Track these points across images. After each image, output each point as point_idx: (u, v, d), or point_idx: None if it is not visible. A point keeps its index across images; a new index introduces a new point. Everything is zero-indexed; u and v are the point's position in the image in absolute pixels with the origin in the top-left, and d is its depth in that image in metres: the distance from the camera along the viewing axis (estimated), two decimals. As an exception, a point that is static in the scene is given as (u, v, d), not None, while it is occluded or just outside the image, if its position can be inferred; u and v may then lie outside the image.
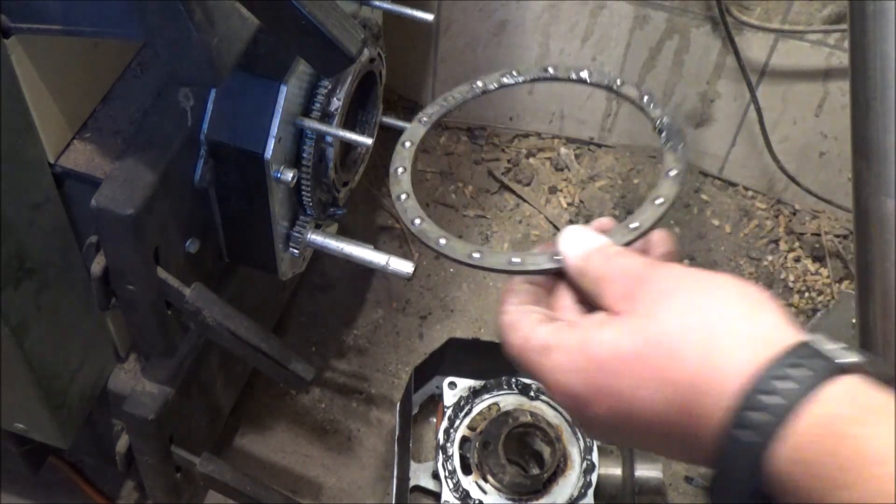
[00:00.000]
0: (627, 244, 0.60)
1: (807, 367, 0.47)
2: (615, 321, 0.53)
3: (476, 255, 0.62)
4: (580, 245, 0.60)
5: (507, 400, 1.34)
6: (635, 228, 0.61)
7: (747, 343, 0.49)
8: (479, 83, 0.74)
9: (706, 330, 0.50)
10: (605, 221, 0.63)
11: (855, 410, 0.46)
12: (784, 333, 0.49)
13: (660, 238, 0.61)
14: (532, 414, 1.30)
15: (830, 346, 0.48)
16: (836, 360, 0.47)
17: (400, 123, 1.13)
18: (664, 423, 0.51)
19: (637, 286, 0.54)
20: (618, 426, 0.53)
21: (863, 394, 0.47)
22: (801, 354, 0.48)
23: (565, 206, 1.70)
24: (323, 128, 0.94)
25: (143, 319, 0.93)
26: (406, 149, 0.70)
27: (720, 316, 0.50)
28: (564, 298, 0.59)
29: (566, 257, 0.60)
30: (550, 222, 1.68)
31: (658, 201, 0.62)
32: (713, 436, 0.48)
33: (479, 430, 1.32)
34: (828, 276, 1.63)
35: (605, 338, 0.52)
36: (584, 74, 0.72)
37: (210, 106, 0.90)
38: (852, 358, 0.47)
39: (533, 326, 0.56)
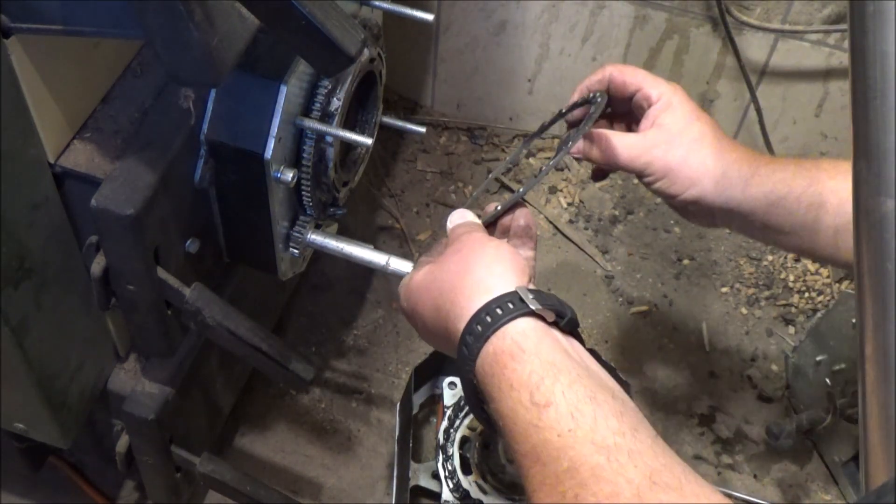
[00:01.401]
0: (492, 219, 0.88)
1: (502, 310, 0.70)
2: (425, 267, 0.81)
3: None
4: (456, 219, 0.88)
5: (507, 400, 1.34)
6: (495, 210, 0.88)
7: (479, 289, 0.73)
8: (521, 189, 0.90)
9: (461, 278, 0.75)
10: (490, 206, 0.90)
11: (516, 347, 0.69)
12: (507, 284, 0.73)
13: (519, 213, 0.87)
14: (532, 414, 1.30)
15: (530, 295, 0.71)
16: (529, 306, 0.70)
17: (400, 123, 1.13)
18: (437, 333, 0.78)
19: (448, 246, 0.82)
20: (421, 332, 0.83)
21: (530, 334, 0.70)
22: (505, 300, 0.71)
23: (565, 206, 1.70)
24: (323, 128, 0.94)
25: (143, 319, 0.93)
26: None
27: (473, 270, 0.75)
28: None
29: (447, 227, 0.88)
30: (550, 222, 1.68)
31: (520, 189, 0.88)
32: (457, 345, 0.73)
33: (479, 430, 1.32)
34: (828, 276, 1.63)
35: (416, 276, 0.82)
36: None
37: (210, 106, 0.90)
38: (536, 305, 0.70)
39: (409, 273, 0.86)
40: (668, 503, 0.60)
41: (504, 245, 0.79)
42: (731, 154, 0.93)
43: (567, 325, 0.72)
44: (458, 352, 0.73)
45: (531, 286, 0.74)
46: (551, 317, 0.71)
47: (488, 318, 0.70)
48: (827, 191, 0.90)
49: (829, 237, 0.90)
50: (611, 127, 1.01)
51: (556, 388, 0.66)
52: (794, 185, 0.91)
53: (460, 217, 0.88)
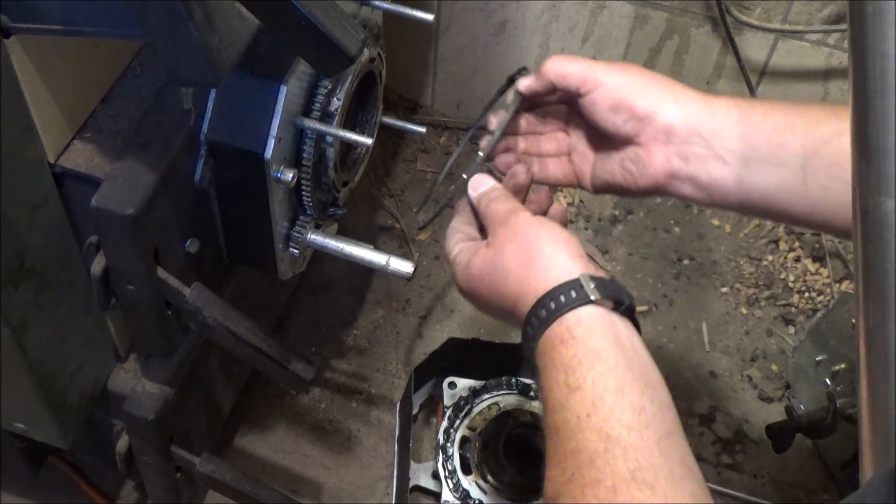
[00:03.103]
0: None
1: (564, 297, 0.74)
2: (481, 251, 0.83)
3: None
4: (478, 186, 0.88)
5: (507, 400, 1.34)
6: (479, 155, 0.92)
7: (544, 278, 0.76)
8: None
9: (525, 268, 0.78)
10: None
11: (567, 333, 0.73)
12: (567, 270, 0.76)
13: (522, 178, 0.89)
14: (532, 414, 1.30)
15: (591, 285, 0.74)
16: (587, 295, 0.73)
17: (400, 123, 1.13)
18: (503, 313, 0.81)
19: (497, 227, 0.82)
20: (484, 310, 0.85)
21: (584, 322, 0.73)
22: (567, 288, 0.74)
23: (565, 205, 1.70)
24: (323, 128, 0.94)
25: (143, 319, 0.93)
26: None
27: (536, 259, 0.78)
28: (475, 222, 0.88)
29: (470, 195, 0.88)
30: (550, 222, 1.68)
31: (493, 129, 0.91)
32: (521, 323, 0.77)
33: (479, 430, 1.32)
34: (828, 276, 1.63)
35: (474, 262, 0.83)
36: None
37: (210, 106, 0.90)
38: (596, 295, 0.73)
39: (454, 241, 0.87)
40: (639, 501, 0.65)
41: (557, 228, 0.81)
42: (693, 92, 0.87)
43: (625, 311, 0.76)
44: (522, 332, 0.78)
45: (591, 270, 0.76)
46: (609, 305, 0.74)
47: (552, 304, 0.74)
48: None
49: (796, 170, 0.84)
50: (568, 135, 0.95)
51: (588, 375, 0.71)
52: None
53: (483, 183, 0.88)
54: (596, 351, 0.72)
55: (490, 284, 0.81)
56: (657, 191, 0.89)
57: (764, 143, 0.84)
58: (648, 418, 0.69)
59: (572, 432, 0.69)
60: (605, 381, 0.70)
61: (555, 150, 0.94)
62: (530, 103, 0.92)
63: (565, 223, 0.88)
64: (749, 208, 0.87)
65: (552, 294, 0.75)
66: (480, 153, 0.92)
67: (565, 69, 0.87)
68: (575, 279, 0.75)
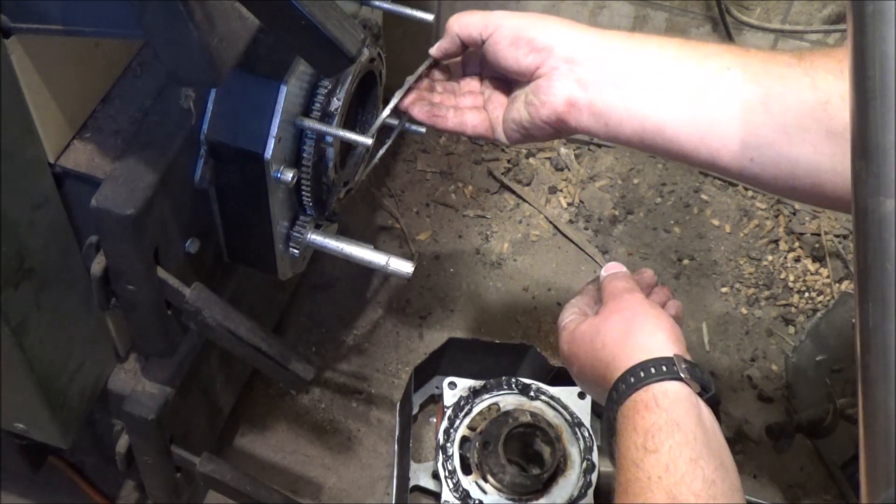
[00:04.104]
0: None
1: (655, 370, 0.80)
2: (589, 319, 0.91)
3: None
4: (610, 269, 0.96)
5: (507, 400, 1.34)
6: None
7: (638, 350, 0.83)
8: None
9: (625, 339, 0.85)
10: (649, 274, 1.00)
11: (653, 402, 0.79)
12: (664, 349, 0.82)
13: (649, 277, 0.99)
14: (532, 414, 1.30)
15: (684, 365, 0.81)
16: (678, 373, 0.80)
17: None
18: (593, 378, 0.88)
19: (610, 299, 0.91)
20: (575, 374, 0.92)
21: (670, 395, 0.79)
22: (660, 362, 0.81)
23: (565, 206, 1.70)
24: (323, 128, 0.94)
25: (143, 319, 0.93)
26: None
27: (636, 334, 0.85)
28: (593, 305, 0.97)
29: (601, 275, 0.97)
30: (550, 222, 1.68)
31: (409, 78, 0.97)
32: (608, 390, 0.83)
33: (479, 430, 1.32)
34: (828, 276, 1.63)
35: (581, 328, 0.91)
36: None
37: (210, 106, 0.90)
38: (686, 375, 0.80)
39: (569, 313, 0.95)
40: None
41: (664, 315, 0.87)
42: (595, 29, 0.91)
43: (709, 399, 0.81)
44: (608, 395, 0.83)
45: (686, 356, 0.83)
46: (696, 388, 0.80)
47: (642, 374, 0.80)
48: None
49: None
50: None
51: (666, 442, 0.76)
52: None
53: (616, 268, 0.96)
54: (677, 422, 0.77)
55: (589, 349, 0.88)
56: (560, 123, 0.91)
57: (656, 73, 0.87)
58: (718, 493, 0.73)
59: (642, 491, 0.75)
60: (681, 450, 0.75)
61: (471, 103, 0.99)
62: (449, 61, 0.99)
63: (680, 321, 0.94)
64: (643, 140, 0.89)
65: (644, 365, 0.81)
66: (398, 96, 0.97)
67: (465, 20, 0.93)
68: (669, 357, 0.81)
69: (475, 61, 0.99)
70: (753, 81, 0.84)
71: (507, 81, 0.97)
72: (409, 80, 0.98)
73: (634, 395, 0.80)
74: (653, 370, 0.80)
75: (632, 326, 0.85)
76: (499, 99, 0.98)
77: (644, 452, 0.76)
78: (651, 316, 0.86)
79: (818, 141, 0.82)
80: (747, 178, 0.88)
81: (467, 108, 0.98)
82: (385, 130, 1.03)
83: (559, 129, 0.92)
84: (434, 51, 0.97)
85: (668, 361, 0.81)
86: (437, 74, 1.00)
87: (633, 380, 0.80)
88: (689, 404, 0.79)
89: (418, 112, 0.96)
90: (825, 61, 0.83)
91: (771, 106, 0.83)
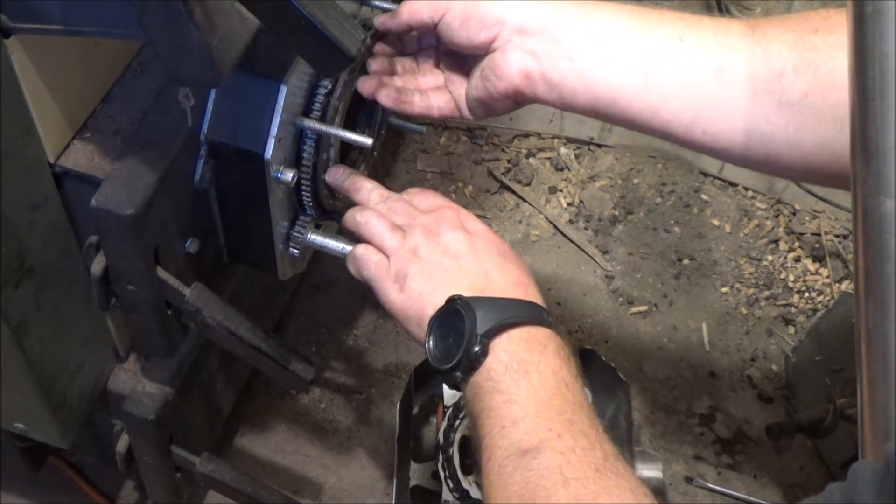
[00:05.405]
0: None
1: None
2: None
3: None
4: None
5: (507, 400, 1.34)
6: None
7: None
8: None
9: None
10: None
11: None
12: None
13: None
14: (532, 414, 1.30)
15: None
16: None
17: (400, 123, 1.13)
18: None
19: None
20: None
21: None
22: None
23: (565, 206, 1.70)
24: (323, 128, 0.94)
25: (143, 319, 0.93)
26: None
27: None
28: None
29: None
30: (550, 222, 1.68)
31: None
32: None
33: (479, 430, 1.31)
34: (828, 276, 1.63)
35: None
36: None
37: (210, 106, 0.90)
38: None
39: None
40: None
41: None
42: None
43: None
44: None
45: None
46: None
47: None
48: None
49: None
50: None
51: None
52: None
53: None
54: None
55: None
56: (517, 95, 0.92)
57: (608, 43, 0.87)
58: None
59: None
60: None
61: (433, 82, 0.98)
62: (395, 42, 0.99)
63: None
64: (597, 110, 0.89)
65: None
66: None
67: (415, 6, 0.92)
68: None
69: (430, 36, 0.98)
70: (705, 52, 0.84)
71: (464, 56, 0.96)
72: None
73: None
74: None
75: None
76: (458, 77, 0.97)
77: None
78: None
79: (771, 112, 0.81)
80: (701, 149, 0.88)
81: (430, 89, 0.98)
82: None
83: (518, 101, 0.93)
84: (378, 25, 0.96)
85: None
86: (388, 49, 0.99)
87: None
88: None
89: (385, 98, 0.95)
90: (779, 31, 0.82)
91: (723, 78, 0.83)
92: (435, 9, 0.91)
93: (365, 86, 0.95)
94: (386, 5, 1.04)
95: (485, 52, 0.91)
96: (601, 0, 0.91)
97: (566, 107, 0.90)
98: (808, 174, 0.86)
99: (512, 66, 0.89)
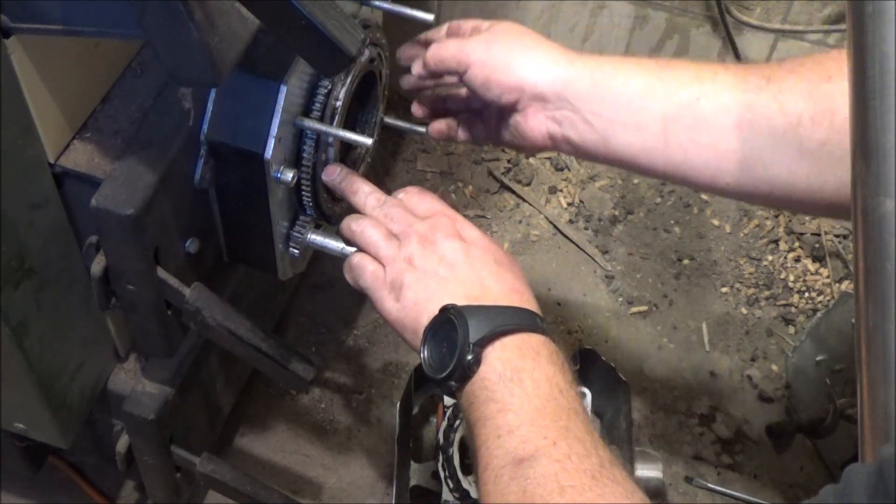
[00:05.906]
0: None
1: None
2: None
3: None
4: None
5: (507, 400, 1.34)
6: None
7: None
8: None
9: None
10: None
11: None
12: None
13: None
14: (532, 414, 1.30)
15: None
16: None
17: (400, 123, 1.13)
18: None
19: None
20: None
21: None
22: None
23: (565, 206, 1.70)
24: (323, 128, 0.94)
25: (143, 319, 0.93)
26: None
27: None
28: None
29: None
30: (550, 222, 1.68)
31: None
32: None
33: (479, 430, 1.31)
34: (828, 276, 1.63)
35: None
36: None
37: (210, 106, 0.90)
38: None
39: None
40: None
41: None
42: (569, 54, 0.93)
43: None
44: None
45: None
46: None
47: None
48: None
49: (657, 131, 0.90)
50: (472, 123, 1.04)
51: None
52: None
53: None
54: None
55: None
56: (546, 148, 0.96)
57: (625, 108, 0.89)
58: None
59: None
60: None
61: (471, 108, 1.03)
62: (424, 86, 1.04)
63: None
64: (623, 166, 0.94)
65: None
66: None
67: (440, 55, 0.96)
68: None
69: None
70: (725, 111, 0.86)
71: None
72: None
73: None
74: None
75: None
76: (490, 117, 1.01)
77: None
78: None
79: (791, 162, 0.84)
80: (726, 196, 0.92)
81: (471, 119, 1.02)
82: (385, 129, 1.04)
83: (549, 150, 0.97)
84: (406, 86, 1.03)
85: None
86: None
87: None
88: None
89: (437, 134, 1.02)
90: (793, 82, 0.84)
91: (742, 133, 0.85)
92: (459, 63, 0.94)
93: (419, 109, 1.04)
94: (386, 6, 1.04)
95: (512, 109, 0.94)
96: (618, 57, 0.93)
97: (589, 160, 0.96)
98: (834, 211, 0.88)
99: (535, 130, 0.94)
